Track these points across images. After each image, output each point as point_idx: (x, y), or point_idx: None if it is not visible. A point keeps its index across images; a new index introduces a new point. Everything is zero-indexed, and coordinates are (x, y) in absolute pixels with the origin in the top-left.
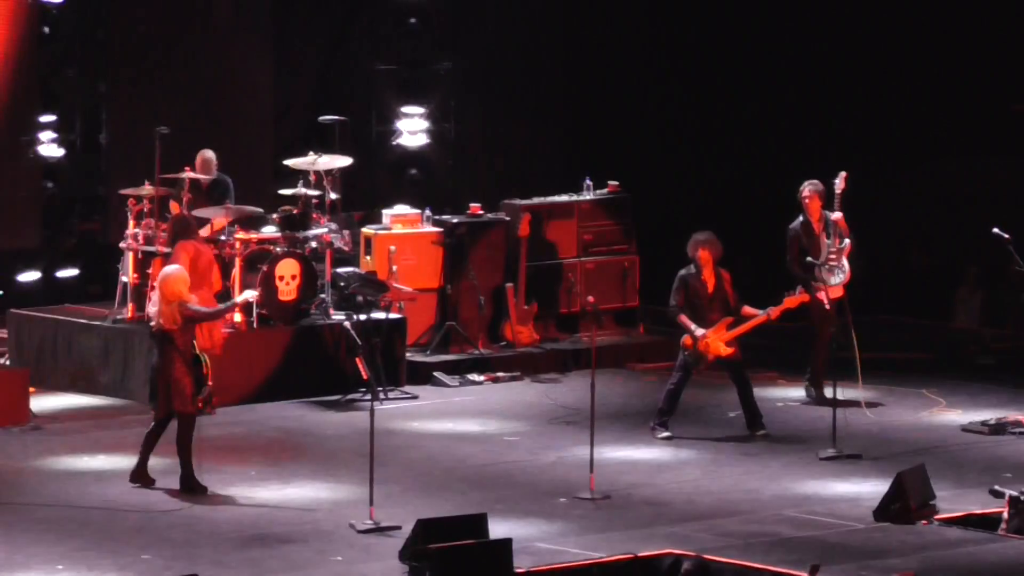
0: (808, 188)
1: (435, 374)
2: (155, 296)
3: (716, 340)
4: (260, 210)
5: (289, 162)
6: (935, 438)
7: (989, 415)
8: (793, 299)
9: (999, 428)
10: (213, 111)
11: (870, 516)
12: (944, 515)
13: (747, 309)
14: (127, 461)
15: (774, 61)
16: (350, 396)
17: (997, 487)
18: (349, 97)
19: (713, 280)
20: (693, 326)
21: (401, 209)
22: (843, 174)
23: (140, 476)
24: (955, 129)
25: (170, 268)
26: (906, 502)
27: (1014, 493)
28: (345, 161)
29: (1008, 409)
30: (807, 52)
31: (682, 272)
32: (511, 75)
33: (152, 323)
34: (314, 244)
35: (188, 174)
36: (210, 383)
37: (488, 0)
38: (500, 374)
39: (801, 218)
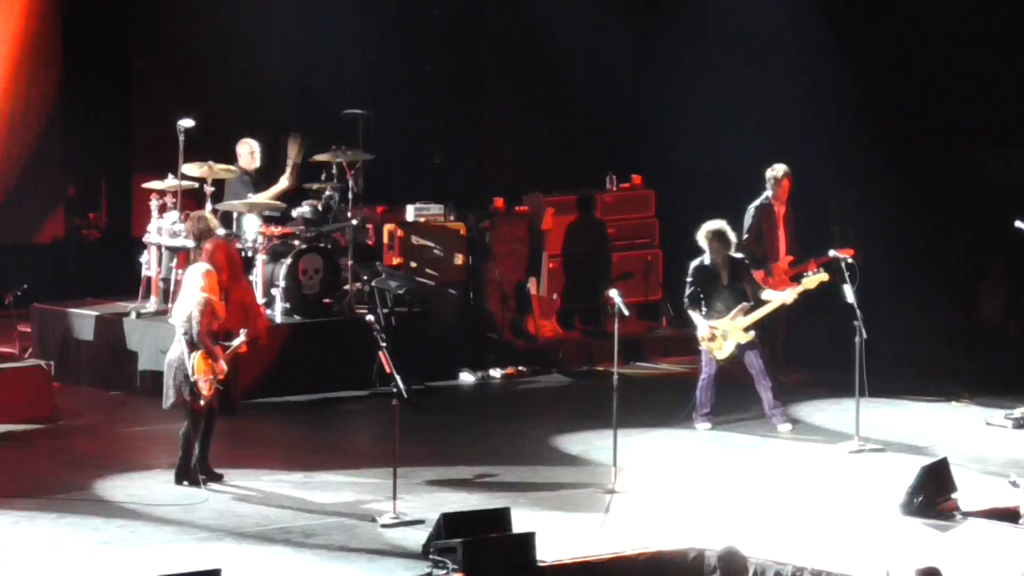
0: (783, 170)
1: (459, 370)
2: (186, 291)
3: (734, 328)
4: (283, 204)
5: (317, 157)
6: (958, 431)
7: (1013, 408)
8: (811, 280)
9: (1022, 422)
10: (237, 104)
11: (894, 509)
12: (968, 509)
13: (767, 293)
14: (149, 454)
15: (792, 55)
16: (373, 391)
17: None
18: (372, 91)
19: (728, 268)
20: (703, 323)
21: (424, 203)
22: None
23: (206, 471)
24: (979, 121)
25: (204, 264)
26: (930, 495)
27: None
28: (368, 155)
29: None
30: (826, 45)
31: (695, 262)
32: (534, 69)
33: (172, 318)
34: (337, 238)
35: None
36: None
37: None
38: (522, 368)
39: (768, 196)
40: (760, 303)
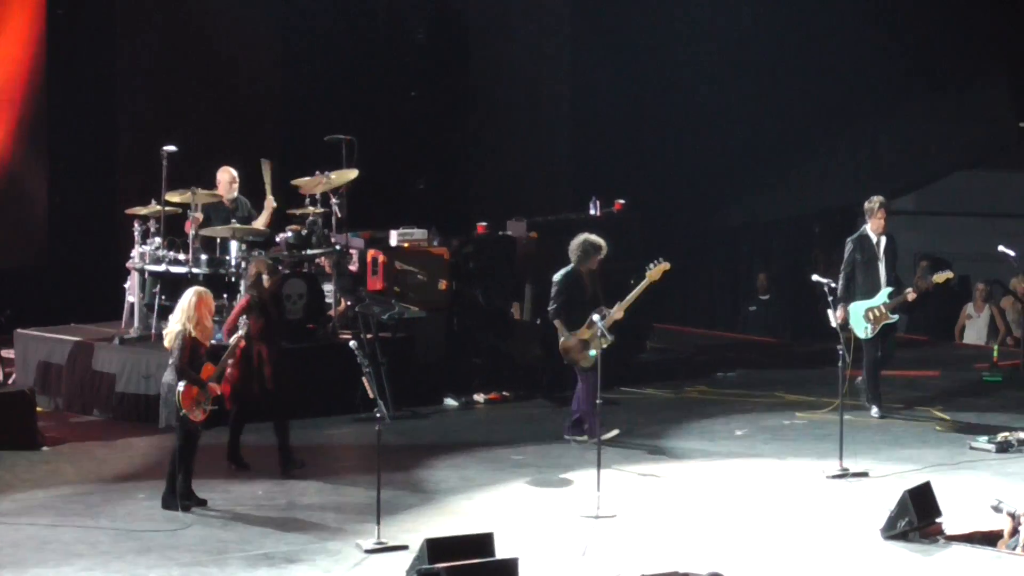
0: (878, 201)
1: (443, 395)
2: (175, 315)
3: (593, 336)
4: (267, 230)
5: (297, 181)
6: (941, 455)
7: (995, 432)
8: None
9: (1005, 445)
10: (222, 129)
11: (877, 534)
12: (951, 533)
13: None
14: (133, 480)
15: (777, 78)
16: (357, 416)
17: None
18: (356, 116)
19: (591, 280)
20: (567, 332)
21: (408, 228)
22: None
23: (189, 495)
24: (961, 146)
25: (199, 287)
26: (913, 520)
27: (1012, 509)
28: (352, 178)
29: (1014, 426)
30: (816, 66)
31: (562, 273)
32: (518, 94)
33: (165, 340)
34: (321, 263)
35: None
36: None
37: (495, 19)
38: (506, 393)
39: (866, 228)
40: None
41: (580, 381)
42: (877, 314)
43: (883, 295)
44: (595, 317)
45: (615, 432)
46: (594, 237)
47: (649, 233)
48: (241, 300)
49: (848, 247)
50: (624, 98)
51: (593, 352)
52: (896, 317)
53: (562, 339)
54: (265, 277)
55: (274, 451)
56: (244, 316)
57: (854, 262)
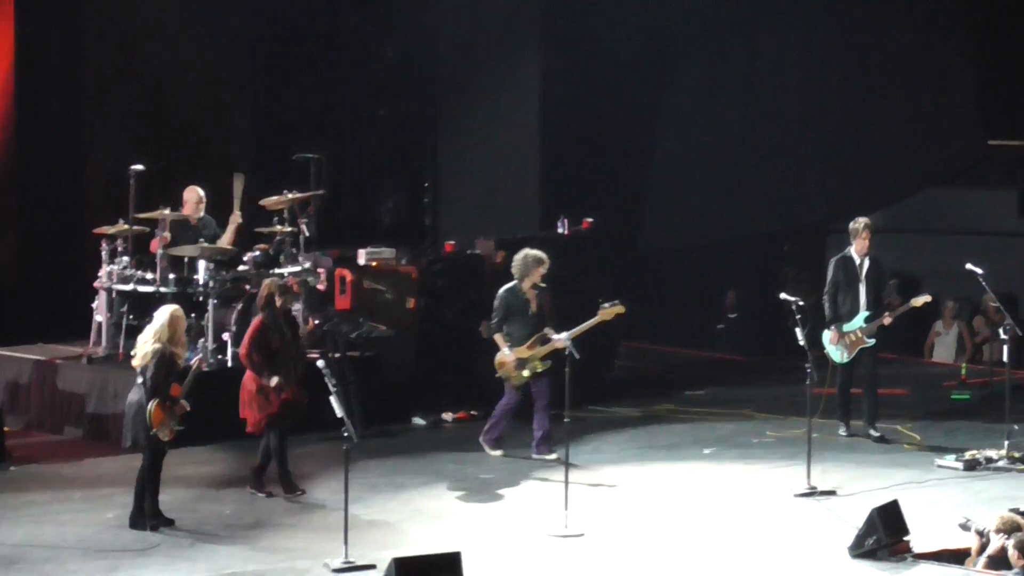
0: (863, 222)
1: (412, 414)
2: (147, 334)
3: (533, 357)
4: (235, 248)
5: (264, 201)
6: (910, 473)
7: (963, 450)
8: (608, 311)
9: (973, 463)
10: (191, 149)
11: (845, 552)
12: (919, 551)
13: (555, 335)
14: (102, 499)
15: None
16: (325, 435)
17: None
18: (325, 134)
19: (535, 297)
20: (507, 348)
21: (376, 247)
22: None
23: (156, 515)
24: (930, 163)
25: (173, 305)
26: (881, 538)
27: (980, 527)
28: (319, 191)
29: (982, 444)
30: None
31: (505, 288)
32: (486, 112)
33: (134, 359)
34: (288, 282)
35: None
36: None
37: (464, 38)
38: (474, 412)
39: (849, 251)
40: (546, 339)
41: (506, 395)
42: (853, 339)
43: (859, 319)
44: (564, 335)
45: (500, 452)
46: (535, 251)
47: (617, 251)
48: (255, 321)
49: (831, 268)
50: (593, 116)
51: (527, 372)
52: (872, 341)
53: (499, 353)
54: (277, 298)
55: (241, 470)
56: (201, 342)
57: (837, 283)
